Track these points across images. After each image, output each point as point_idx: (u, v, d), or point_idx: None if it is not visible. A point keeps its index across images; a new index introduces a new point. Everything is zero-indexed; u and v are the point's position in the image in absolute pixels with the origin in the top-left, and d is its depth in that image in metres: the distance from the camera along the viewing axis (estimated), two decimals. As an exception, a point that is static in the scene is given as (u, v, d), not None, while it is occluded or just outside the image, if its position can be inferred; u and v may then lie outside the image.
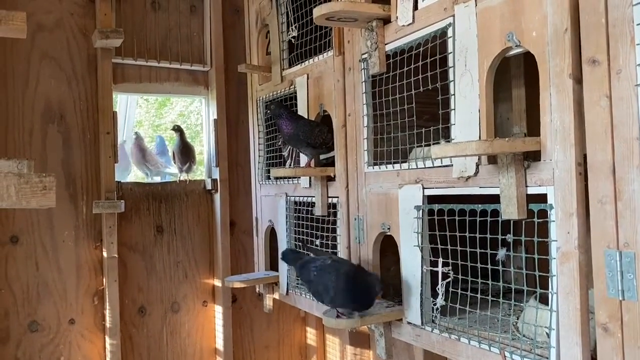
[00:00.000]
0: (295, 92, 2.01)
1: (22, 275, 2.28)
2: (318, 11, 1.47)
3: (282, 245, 2.08)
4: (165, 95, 3.25)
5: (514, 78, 1.71)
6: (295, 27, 2.01)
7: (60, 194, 2.39)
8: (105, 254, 2.39)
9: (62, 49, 2.42)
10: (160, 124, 6.15)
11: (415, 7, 1.41)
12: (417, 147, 1.51)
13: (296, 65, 2.02)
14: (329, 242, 1.78)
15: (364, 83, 1.62)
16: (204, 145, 2.81)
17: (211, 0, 2.68)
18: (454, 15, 1.28)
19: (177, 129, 2.66)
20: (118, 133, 2.49)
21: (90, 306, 2.41)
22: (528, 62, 1.57)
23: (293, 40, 2.03)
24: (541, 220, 1.08)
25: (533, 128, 1.65)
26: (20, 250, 2.29)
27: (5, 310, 2.24)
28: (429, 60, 1.38)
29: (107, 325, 2.39)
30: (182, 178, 2.67)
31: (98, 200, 2.36)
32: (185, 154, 2.63)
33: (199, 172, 2.92)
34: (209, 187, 2.69)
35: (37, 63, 2.36)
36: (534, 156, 1.12)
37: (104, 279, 2.40)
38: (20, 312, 2.27)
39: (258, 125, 2.32)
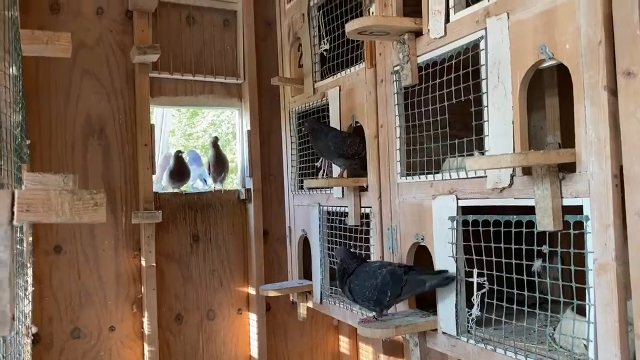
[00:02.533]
0: (328, 104, 2.05)
1: (65, 283, 2.37)
2: (350, 26, 1.50)
3: (316, 254, 2.11)
4: (200, 107, 3.33)
5: (548, 87, 1.71)
6: (327, 40, 2.04)
7: (100, 205, 2.47)
8: (143, 263, 2.46)
9: (102, 64, 2.51)
10: (192, 132, 6.27)
11: (447, 20, 1.43)
12: (451, 157, 1.52)
13: (328, 77, 2.05)
14: (363, 252, 1.80)
15: (396, 95, 1.64)
16: (237, 156, 2.86)
17: (244, 14, 2.74)
18: (486, 28, 1.29)
19: (214, 142, 2.72)
20: (155, 144, 2.57)
21: (130, 314, 2.48)
22: (561, 70, 1.57)
23: (325, 53, 2.07)
24: (577, 231, 1.08)
25: (567, 137, 1.64)
26: (64, 259, 2.38)
27: (49, 317, 2.33)
28: (461, 72, 1.39)
29: (146, 332, 2.45)
30: (217, 188, 2.73)
31: (137, 211, 2.43)
32: (221, 165, 2.69)
33: (229, 180, 2.97)
34: (242, 196, 2.74)
35: (79, 79, 2.45)
36: (569, 167, 1.12)
37: (143, 287, 2.47)
38: (63, 319, 2.36)
39: (291, 137, 2.36)
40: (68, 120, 2.43)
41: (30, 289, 2.04)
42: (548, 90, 1.71)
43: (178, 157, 2.63)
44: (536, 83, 1.74)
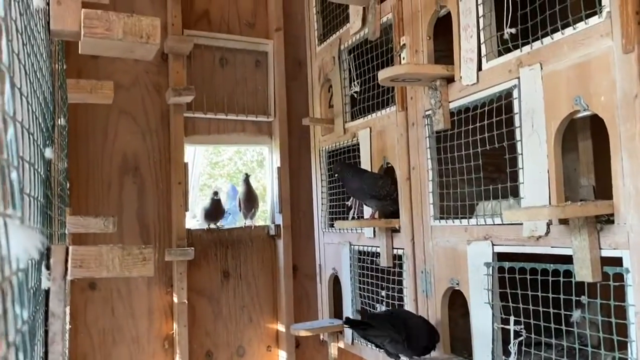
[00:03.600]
0: (358, 144, 2.08)
1: (99, 319, 2.41)
2: (383, 74, 1.54)
3: (347, 293, 2.11)
4: (232, 145, 3.39)
5: (580, 130, 1.71)
6: (358, 82, 2.09)
7: (134, 242, 2.52)
8: (175, 300, 2.49)
9: (138, 105, 2.59)
10: (218, 161, 6.35)
11: (480, 68, 1.45)
12: (485, 201, 1.53)
13: (359, 118, 2.09)
14: (395, 294, 1.80)
15: (427, 138, 1.66)
16: (267, 192, 2.90)
17: (275, 55, 2.81)
18: (519, 78, 1.31)
19: (245, 179, 2.77)
20: (188, 181, 2.63)
21: (161, 350, 2.50)
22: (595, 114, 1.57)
23: (355, 95, 2.11)
24: (617, 284, 1.08)
25: (601, 180, 1.63)
26: (98, 295, 2.42)
27: (83, 354, 2.37)
28: (494, 118, 1.40)
29: (177, 369, 2.47)
30: (247, 224, 2.76)
31: (170, 248, 2.48)
32: (251, 201, 2.73)
33: (259, 212, 3.00)
34: (272, 232, 2.76)
35: (115, 119, 2.54)
36: (606, 216, 1.12)
37: (174, 324, 2.49)
38: (97, 356, 2.39)
39: (321, 174, 2.39)
40: (105, 158, 2.51)
41: (67, 327, 2.09)
42: (581, 133, 1.71)
43: (213, 199, 2.69)
44: (569, 125, 1.75)
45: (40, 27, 0.86)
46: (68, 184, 2.00)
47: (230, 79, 2.79)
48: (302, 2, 2.62)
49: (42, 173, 0.75)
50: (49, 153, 0.82)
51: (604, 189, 1.35)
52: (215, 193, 2.73)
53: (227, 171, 6.11)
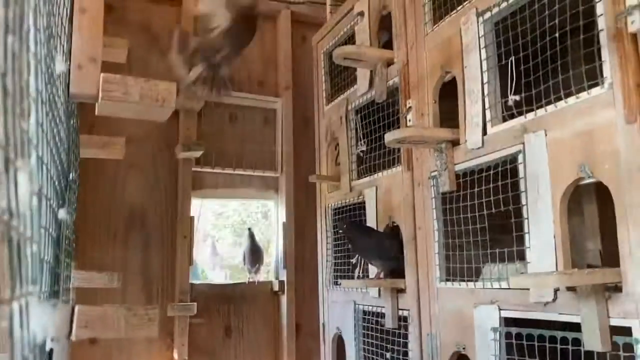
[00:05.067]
0: (364, 202, 2.09)
1: (98, 375, 2.36)
2: (390, 136, 1.57)
3: (351, 354, 2.07)
4: (238, 199, 3.42)
5: (585, 193, 1.72)
6: (364, 142, 2.12)
7: (137, 296, 2.51)
8: (176, 356, 2.45)
9: (147, 159, 2.63)
10: (222, 212, 6.33)
11: (485, 132, 1.48)
12: (491, 263, 1.52)
13: (365, 177, 2.11)
14: (400, 357, 1.77)
15: (433, 199, 1.67)
16: (272, 247, 2.90)
17: (283, 112, 2.88)
18: (523, 143, 1.34)
19: (250, 233, 2.77)
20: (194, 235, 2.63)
21: (160, 408, 2.44)
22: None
23: (362, 154, 2.14)
24: (627, 354, 1.06)
25: (608, 244, 1.63)
26: (98, 350, 2.38)
27: (80, 411, 2.31)
28: (500, 182, 1.42)
29: None
30: (251, 279, 2.74)
31: (172, 303, 2.45)
32: (256, 256, 2.73)
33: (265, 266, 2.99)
34: (276, 288, 2.74)
35: (125, 172, 2.57)
36: (615, 284, 1.11)
37: (174, 382, 2.44)
38: (94, 413, 2.33)
39: (326, 231, 2.39)
40: (112, 211, 2.53)
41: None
42: (586, 196, 1.72)
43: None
44: (574, 188, 1.76)
45: (61, 92, 0.90)
46: (75, 236, 2.01)
47: (239, 135, 2.84)
48: (310, 62, 2.70)
49: (54, 235, 0.76)
50: (62, 214, 0.83)
51: (610, 254, 1.34)
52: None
53: (231, 222, 6.10)
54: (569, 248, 1.24)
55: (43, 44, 0.68)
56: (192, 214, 2.60)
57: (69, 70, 0.99)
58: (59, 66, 0.82)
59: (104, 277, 1.65)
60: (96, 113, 1.07)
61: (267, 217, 3.13)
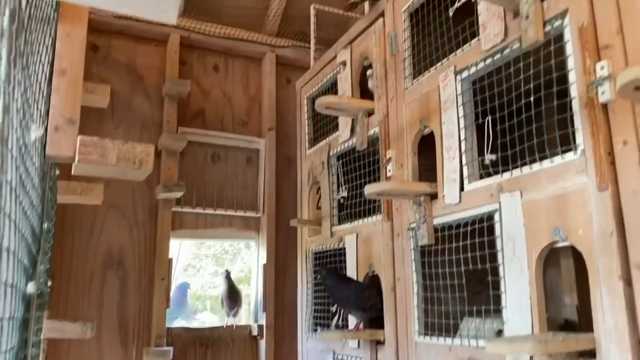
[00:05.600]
0: (345, 248, 2.08)
1: (68, 423, 2.29)
2: (370, 189, 1.58)
3: (329, 405, 2.03)
4: (218, 239, 3.39)
5: (561, 249, 1.73)
6: (345, 188, 2.13)
7: (112, 339, 2.45)
8: (150, 403, 2.38)
9: (127, 199, 2.61)
10: (199, 254, 6.25)
11: (462, 188, 1.50)
12: (468, 318, 1.52)
13: (346, 223, 2.11)
14: (379, 411, 1.74)
15: (412, 251, 1.68)
16: (252, 290, 2.87)
17: (266, 152, 2.89)
18: (500, 202, 1.35)
19: (227, 276, 2.74)
20: (172, 278, 2.59)
21: None
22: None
23: (342, 200, 2.15)
24: (602, 423, 1.05)
25: (585, 300, 1.64)
26: (69, 397, 2.31)
27: None
28: (477, 239, 1.43)
29: None
30: (229, 323, 2.70)
31: (148, 347, 2.40)
32: (233, 299, 2.69)
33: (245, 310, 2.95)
34: (254, 332, 2.70)
35: (104, 212, 2.54)
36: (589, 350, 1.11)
37: None
38: None
39: (307, 276, 2.38)
40: (89, 251, 2.49)
41: None
42: (563, 251, 1.73)
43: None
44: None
45: (35, 157, 0.89)
46: (50, 282, 1.97)
47: (221, 175, 2.84)
48: (294, 102, 2.72)
49: (23, 299, 0.75)
50: (30, 288, 0.82)
51: (587, 310, 1.35)
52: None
53: (213, 251, 6.04)
54: (545, 309, 1.24)
55: (18, 111, 0.68)
56: (170, 256, 2.57)
57: (46, 130, 0.99)
58: (34, 133, 0.82)
59: (77, 327, 1.61)
60: (72, 173, 1.06)
61: (249, 246, 3.10)
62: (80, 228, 2.49)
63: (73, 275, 2.43)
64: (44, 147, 0.99)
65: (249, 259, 3.09)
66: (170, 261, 2.56)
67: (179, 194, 2.53)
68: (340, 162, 2.20)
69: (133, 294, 2.52)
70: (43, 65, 0.92)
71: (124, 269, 2.53)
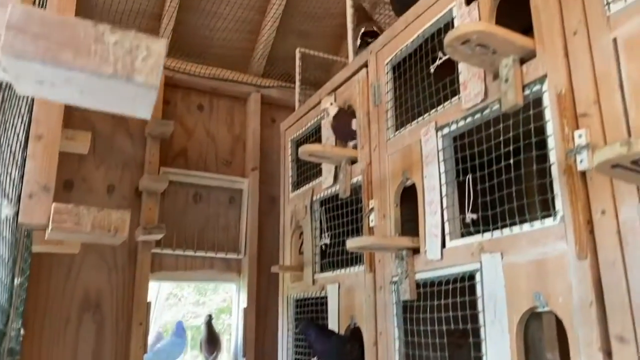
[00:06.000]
0: (327, 297, 2.06)
1: None
2: (351, 243, 1.57)
3: None
4: (198, 282, 3.34)
5: (543, 302, 1.73)
6: (328, 235, 2.12)
7: (86, 386, 2.38)
8: None
9: (107, 239, 2.56)
10: (180, 295, 6.16)
11: (444, 245, 1.49)
12: (450, 376, 1.50)
13: (328, 271, 2.09)
14: None
15: (394, 305, 1.66)
16: (232, 333, 2.81)
17: (250, 193, 2.87)
18: (481, 262, 1.35)
19: (207, 321, 2.69)
20: (150, 322, 2.54)
21: None
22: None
23: (325, 247, 2.13)
24: None
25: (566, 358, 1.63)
26: None
27: None
28: (459, 298, 1.42)
29: None
30: (208, 368, 2.65)
31: (123, 396, 2.33)
32: (212, 343, 2.64)
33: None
34: (234, 378, 2.64)
35: (82, 254, 2.49)
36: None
37: None
38: None
39: (287, 324, 2.34)
40: (66, 294, 2.43)
41: None
42: (544, 305, 1.73)
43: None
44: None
45: (7, 231, 0.87)
46: (22, 331, 1.91)
47: (203, 215, 2.81)
48: (279, 142, 2.72)
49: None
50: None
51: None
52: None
53: (189, 291, 5.96)
54: (526, 373, 1.23)
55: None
56: (149, 299, 2.52)
57: (19, 198, 0.97)
58: (5, 210, 0.80)
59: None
60: (45, 238, 1.04)
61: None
62: (57, 270, 2.44)
63: (48, 319, 2.37)
64: (16, 214, 0.97)
65: (230, 289, 3.04)
66: (148, 305, 2.51)
67: (158, 236, 2.50)
68: (324, 208, 2.19)
69: (110, 338, 2.45)
70: (18, 135, 0.90)
71: (101, 312, 2.47)
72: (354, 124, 1.98)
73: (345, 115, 2.02)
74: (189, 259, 2.72)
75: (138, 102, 0.53)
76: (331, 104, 2.05)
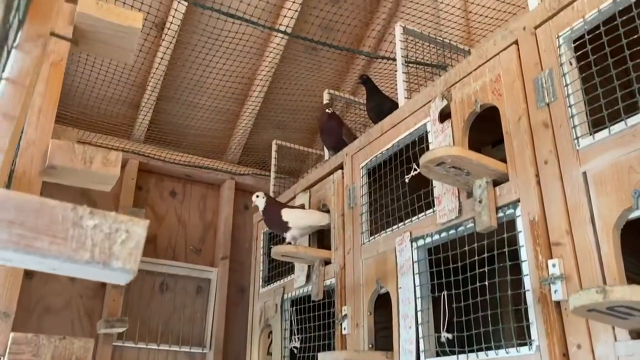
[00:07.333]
0: (295, 404, 1.97)
1: None
2: (325, 357, 1.52)
3: None
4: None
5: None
6: (299, 338, 2.05)
7: None
8: None
9: (66, 330, 2.43)
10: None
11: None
12: None
13: (297, 376, 2.01)
14: None
15: (367, 421, 1.59)
16: None
17: (218, 283, 2.80)
18: (456, 386, 1.31)
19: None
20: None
21: None
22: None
23: (295, 350, 2.06)
24: None
25: None
26: None
27: None
28: (433, 422, 1.37)
29: None
30: None
31: None
32: None
33: None
34: None
35: (37, 347, 2.35)
36: None
37: None
38: None
39: None
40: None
41: None
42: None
43: None
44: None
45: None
46: None
47: (169, 306, 2.71)
48: (252, 230, 2.68)
49: None
50: None
51: None
52: None
53: None
54: None
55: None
56: (106, 398, 2.37)
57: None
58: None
59: None
60: (-1, 366, 0.97)
61: None
62: (8, 365, 2.28)
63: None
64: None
65: None
66: (104, 404, 2.35)
67: (121, 330, 2.38)
68: (295, 308, 2.13)
69: None
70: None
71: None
72: (285, 215, 1.95)
73: (275, 206, 2.00)
74: (151, 353, 2.59)
75: (113, 278, 0.51)
76: (257, 196, 2.03)
